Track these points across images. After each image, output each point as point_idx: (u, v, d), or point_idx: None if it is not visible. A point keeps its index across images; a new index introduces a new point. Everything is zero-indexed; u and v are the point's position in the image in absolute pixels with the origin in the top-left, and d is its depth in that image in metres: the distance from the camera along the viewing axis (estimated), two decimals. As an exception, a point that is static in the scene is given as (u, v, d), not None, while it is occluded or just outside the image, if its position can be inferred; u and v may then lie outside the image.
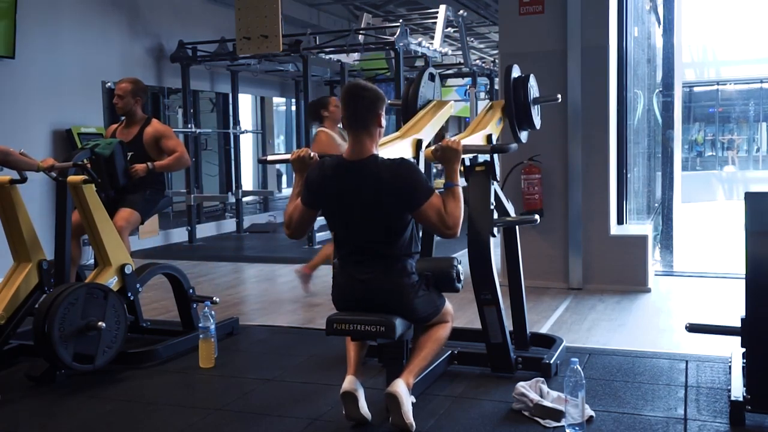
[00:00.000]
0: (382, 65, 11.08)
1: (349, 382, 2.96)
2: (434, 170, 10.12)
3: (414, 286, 2.98)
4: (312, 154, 3.13)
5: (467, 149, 3.17)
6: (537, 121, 3.92)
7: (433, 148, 3.17)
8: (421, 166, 3.32)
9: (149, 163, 4.57)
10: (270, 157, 3.67)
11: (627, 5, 6.09)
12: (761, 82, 21.37)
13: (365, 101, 2.94)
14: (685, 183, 10.52)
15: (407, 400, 2.89)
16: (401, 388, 2.88)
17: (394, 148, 3.26)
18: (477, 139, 3.55)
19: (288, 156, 3.21)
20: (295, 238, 3.22)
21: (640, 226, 6.33)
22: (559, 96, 4.09)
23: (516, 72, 3.82)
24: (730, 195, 18.03)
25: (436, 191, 2.97)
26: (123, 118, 4.83)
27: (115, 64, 8.26)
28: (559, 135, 5.71)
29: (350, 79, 9.35)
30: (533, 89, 3.86)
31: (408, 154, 3.33)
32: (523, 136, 3.91)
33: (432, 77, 3.87)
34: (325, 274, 6.51)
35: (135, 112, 4.75)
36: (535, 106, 3.88)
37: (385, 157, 2.98)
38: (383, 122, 3.01)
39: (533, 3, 5.77)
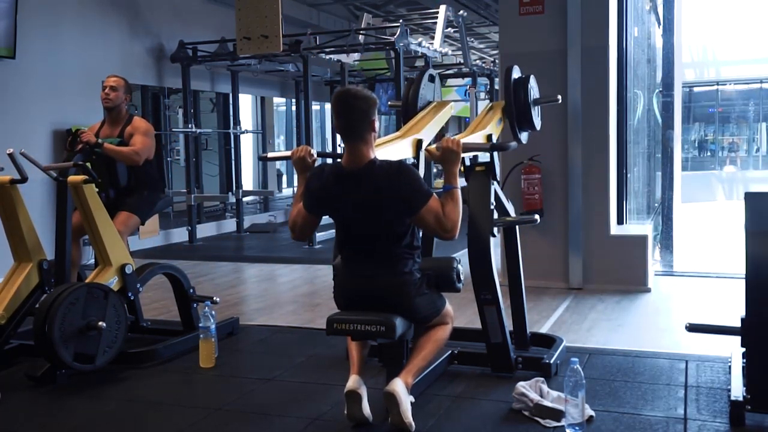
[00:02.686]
0: (382, 65, 11.08)
1: (353, 381, 2.96)
2: (434, 170, 10.13)
3: (416, 284, 3.00)
4: (312, 152, 3.13)
5: (467, 147, 3.17)
6: (537, 122, 3.93)
7: (434, 146, 3.18)
8: (422, 167, 3.32)
9: (99, 139, 4.40)
10: (271, 154, 3.68)
11: (627, 5, 6.09)
12: (761, 82, 21.37)
13: (357, 111, 2.92)
14: (684, 183, 10.52)
15: (406, 399, 2.89)
16: (400, 387, 2.89)
17: (394, 147, 3.27)
18: (477, 138, 3.56)
19: (288, 153, 3.21)
20: (301, 241, 3.22)
21: (640, 226, 6.33)
22: (560, 97, 4.09)
23: (516, 73, 3.83)
24: (730, 195, 18.04)
25: (435, 194, 2.97)
26: (105, 118, 4.70)
27: (115, 64, 8.25)
28: (559, 135, 5.71)
29: (350, 79, 9.35)
30: (533, 90, 3.86)
31: (408, 154, 3.33)
32: (524, 137, 3.91)
33: (432, 78, 3.87)
34: (325, 274, 6.53)
35: (121, 109, 4.65)
36: (536, 107, 3.88)
37: (384, 160, 2.99)
38: (377, 126, 2.99)
39: (533, 3, 5.77)
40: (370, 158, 2.96)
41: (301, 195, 3.12)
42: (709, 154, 22.92)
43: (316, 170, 3.09)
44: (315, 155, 3.15)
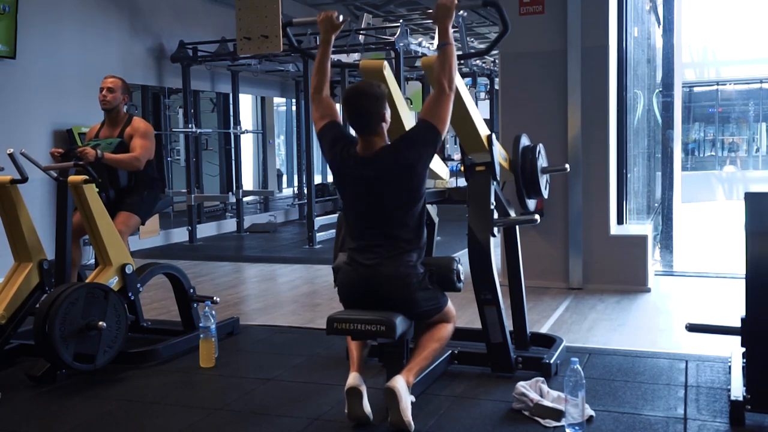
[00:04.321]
0: (383, 65, 11.07)
1: (353, 378, 2.97)
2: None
3: (418, 277, 3.02)
4: (339, 16, 3.25)
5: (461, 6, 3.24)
6: (545, 193, 3.93)
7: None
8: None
9: (98, 151, 4.29)
10: (297, 20, 3.67)
11: (627, 5, 6.09)
12: (761, 82, 21.35)
13: (367, 106, 3.03)
14: (684, 183, 10.52)
15: (406, 397, 2.90)
16: (400, 384, 2.89)
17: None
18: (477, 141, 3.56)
19: (314, 18, 3.32)
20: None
21: (640, 226, 6.33)
22: (568, 166, 4.15)
23: (525, 141, 3.84)
24: (730, 195, 18.04)
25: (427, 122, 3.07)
26: (104, 119, 4.67)
27: (115, 64, 8.26)
28: (560, 135, 5.71)
29: (350, 79, 9.35)
30: (542, 158, 3.87)
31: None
32: (530, 203, 3.93)
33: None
34: (325, 274, 6.53)
35: (120, 110, 4.63)
36: (543, 176, 3.89)
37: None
38: (388, 117, 3.10)
39: (533, 3, 5.77)
40: (384, 144, 3.09)
41: (318, 65, 3.25)
42: (710, 153, 22.91)
43: (339, 134, 3.18)
44: (341, 18, 3.25)
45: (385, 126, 3.10)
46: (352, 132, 3.18)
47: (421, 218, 3.10)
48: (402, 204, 3.05)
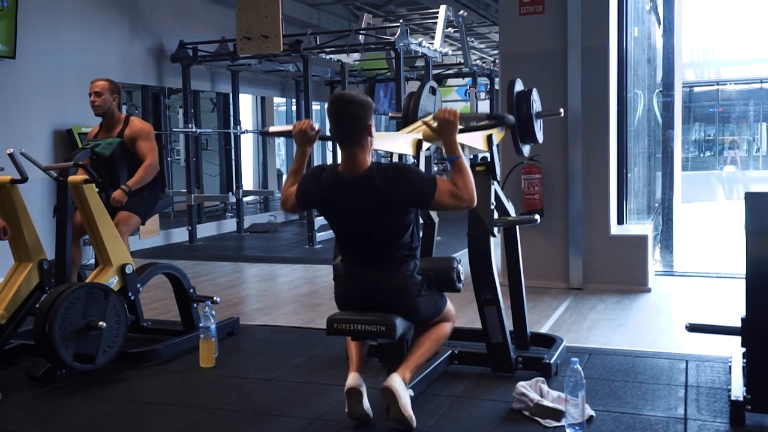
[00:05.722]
0: (383, 65, 11.08)
1: (353, 378, 2.97)
2: (434, 168, 10.13)
3: (417, 285, 3.01)
4: (315, 126, 3.14)
5: (464, 117, 3.17)
6: (540, 136, 3.92)
7: (430, 117, 3.18)
8: (422, 167, 3.32)
9: (124, 186, 4.40)
10: (272, 129, 3.64)
11: (627, 5, 6.09)
12: (761, 82, 21.36)
13: (353, 117, 2.90)
14: (685, 183, 10.52)
15: (404, 394, 2.90)
16: (397, 381, 2.89)
17: (396, 140, 3.28)
18: (477, 137, 3.55)
19: (290, 128, 3.20)
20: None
21: (641, 226, 6.33)
22: (561, 110, 4.10)
23: (519, 86, 3.83)
24: (730, 195, 18.03)
25: (437, 176, 3.00)
26: (101, 120, 4.66)
27: (115, 64, 8.27)
28: (559, 135, 5.71)
29: (350, 79, 9.35)
30: (536, 103, 3.86)
31: (408, 151, 3.32)
32: (526, 149, 3.92)
33: (433, 91, 3.86)
34: (325, 274, 6.53)
35: (113, 112, 4.60)
36: (538, 120, 3.88)
37: (380, 164, 2.99)
38: (373, 131, 2.98)
39: (533, 3, 5.77)
40: (367, 165, 2.94)
41: (294, 172, 3.12)
42: (710, 153, 22.92)
43: (314, 171, 3.07)
44: (317, 128, 3.14)
45: (371, 141, 2.96)
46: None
47: (414, 228, 3.05)
48: (391, 228, 2.98)
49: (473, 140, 3.50)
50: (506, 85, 3.80)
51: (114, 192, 4.40)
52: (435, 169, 9.62)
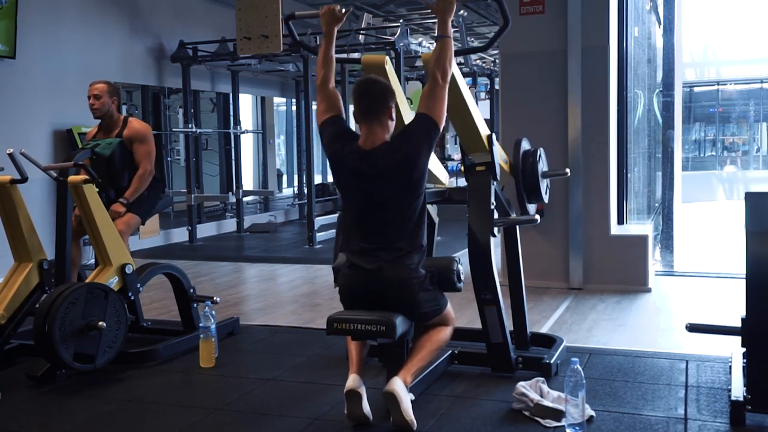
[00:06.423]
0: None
1: (352, 380, 2.97)
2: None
3: (419, 279, 3.02)
4: (341, 8, 3.27)
5: None
6: (546, 198, 3.92)
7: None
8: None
9: (122, 199, 4.46)
10: (298, 13, 3.65)
11: (627, 5, 6.09)
12: (761, 82, 21.36)
13: (377, 94, 3.06)
14: (685, 183, 10.52)
15: (405, 398, 2.90)
16: (398, 385, 2.89)
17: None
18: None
19: (317, 11, 3.36)
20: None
21: (641, 226, 6.33)
22: (568, 171, 4.14)
23: (526, 145, 3.83)
24: (731, 195, 18.03)
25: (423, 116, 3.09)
26: (99, 122, 4.66)
27: (115, 64, 8.27)
28: (559, 135, 5.71)
29: (350, 79, 9.35)
30: (542, 162, 3.86)
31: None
32: (531, 208, 3.92)
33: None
34: (325, 274, 6.53)
35: (112, 114, 4.60)
36: (544, 180, 3.88)
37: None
38: (393, 115, 3.11)
39: (533, 3, 5.77)
40: (385, 139, 3.07)
41: (324, 63, 3.25)
42: (710, 153, 22.91)
43: (340, 129, 3.17)
44: (344, 10, 3.28)
45: (391, 124, 3.10)
46: (354, 128, 3.18)
47: (421, 218, 3.09)
48: (402, 199, 3.04)
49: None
50: (513, 145, 3.82)
51: (113, 205, 4.43)
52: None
